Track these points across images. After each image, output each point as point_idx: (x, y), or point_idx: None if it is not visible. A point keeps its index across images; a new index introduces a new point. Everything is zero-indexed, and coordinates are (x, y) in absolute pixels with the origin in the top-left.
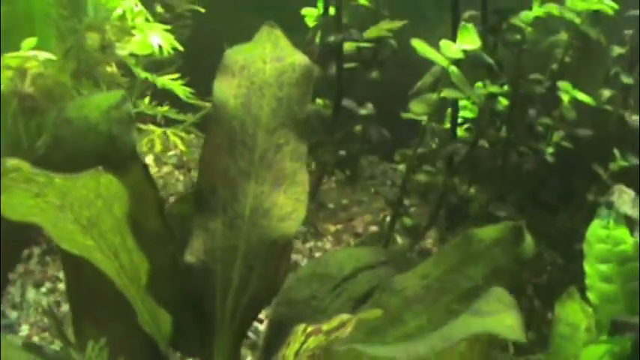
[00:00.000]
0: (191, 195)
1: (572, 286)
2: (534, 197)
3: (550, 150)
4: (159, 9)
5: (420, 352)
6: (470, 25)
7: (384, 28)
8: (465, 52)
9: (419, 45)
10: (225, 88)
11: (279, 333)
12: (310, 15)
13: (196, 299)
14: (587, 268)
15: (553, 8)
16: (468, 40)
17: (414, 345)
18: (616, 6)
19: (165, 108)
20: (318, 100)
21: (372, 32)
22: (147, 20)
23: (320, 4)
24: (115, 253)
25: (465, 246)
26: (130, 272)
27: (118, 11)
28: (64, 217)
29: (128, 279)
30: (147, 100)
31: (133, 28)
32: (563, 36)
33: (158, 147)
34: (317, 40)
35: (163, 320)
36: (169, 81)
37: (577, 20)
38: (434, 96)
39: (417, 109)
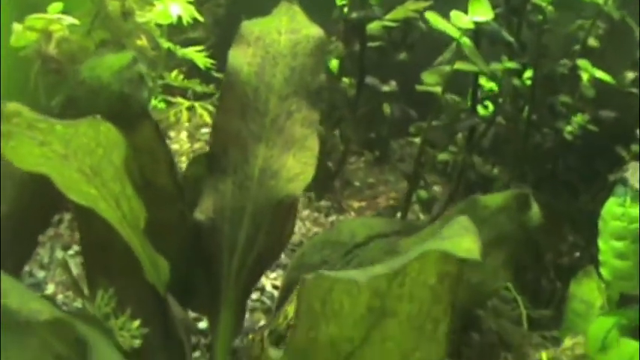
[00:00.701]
0: (204, 157)
1: (590, 265)
2: (555, 177)
3: (569, 129)
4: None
5: (379, 272)
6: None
7: (409, 8)
8: (475, 23)
9: (431, 17)
10: (240, 57)
11: (290, 296)
12: None
13: (204, 257)
14: (601, 244)
15: None
16: (480, 11)
17: (374, 268)
18: None
19: (192, 81)
20: (344, 79)
21: (398, 13)
22: None
23: None
24: (117, 201)
25: (470, 211)
26: (131, 220)
27: None
28: (69, 165)
29: (129, 227)
30: (174, 72)
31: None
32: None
33: (185, 118)
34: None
35: (162, 267)
36: (191, 52)
37: (600, 1)
38: (447, 68)
39: (430, 80)
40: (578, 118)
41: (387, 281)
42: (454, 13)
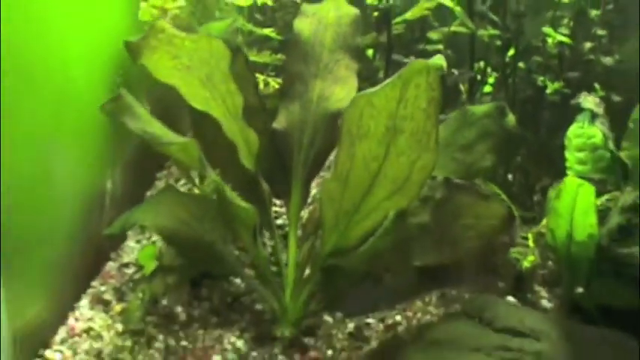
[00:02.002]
0: (278, 90)
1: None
2: (535, 118)
3: (542, 80)
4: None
5: (388, 87)
6: None
7: (424, 7)
8: None
9: None
10: (302, 24)
11: None
12: None
13: (279, 153)
14: (567, 155)
15: None
16: None
17: (384, 85)
18: None
19: (264, 54)
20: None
21: (415, 11)
22: None
23: None
24: (223, 98)
25: (462, 117)
26: (232, 111)
27: None
28: (191, 75)
29: (231, 117)
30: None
31: None
32: None
33: (261, 86)
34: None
35: (253, 142)
36: (263, 30)
37: None
38: (445, 29)
39: (433, 36)
40: (549, 83)
41: (395, 104)
42: None
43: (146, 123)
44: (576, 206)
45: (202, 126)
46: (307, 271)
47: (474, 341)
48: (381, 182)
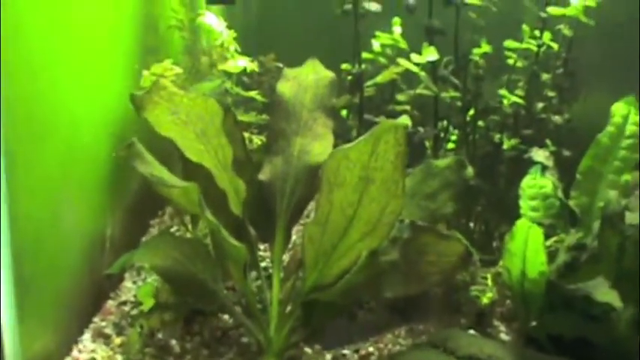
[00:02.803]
0: (263, 145)
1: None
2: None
3: (499, 138)
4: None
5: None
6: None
7: (393, 71)
8: (428, 62)
9: (401, 61)
10: (284, 87)
11: None
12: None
13: (264, 201)
14: (522, 203)
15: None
16: (430, 53)
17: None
18: None
19: (250, 114)
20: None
21: (384, 76)
22: (236, 50)
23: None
24: (215, 150)
25: (427, 169)
26: (223, 163)
27: (218, 41)
28: (187, 129)
29: (222, 167)
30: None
31: (231, 55)
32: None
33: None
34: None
35: (241, 191)
36: (249, 93)
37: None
38: (411, 92)
39: (401, 98)
40: (506, 140)
41: (368, 157)
42: (413, 55)
43: (154, 168)
44: (528, 246)
45: (195, 177)
46: (289, 307)
47: None
48: (355, 225)
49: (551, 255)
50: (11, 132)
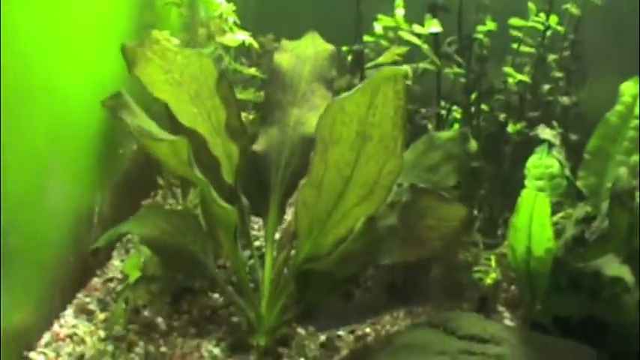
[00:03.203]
0: (259, 116)
1: None
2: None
3: (505, 118)
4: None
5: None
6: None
7: (395, 52)
8: (430, 33)
9: (403, 33)
10: (281, 58)
11: None
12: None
13: (259, 173)
14: (527, 183)
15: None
16: (433, 25)
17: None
18: None
19: (248, 91)
20: None
21: (387, 57)
22: (235, 23)
23: None
24: (209, 114)
25: (429, 141)
26: (217, 126)
27: (217, 12)
28: (181, 91)
29: (215, 132)
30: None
31: (230, 28)
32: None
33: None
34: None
35: (234, 157)
36: (248, 69)
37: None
38: (415, 65)
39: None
40: (511, 124)
41: (365, 110)
42: (415, 26)
43: (142, 120)
44: (533, 220)
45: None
46: (282, 281)
47: (440, 346)
48: (351, 187)
49: (558, 233)
50: (4, 98)
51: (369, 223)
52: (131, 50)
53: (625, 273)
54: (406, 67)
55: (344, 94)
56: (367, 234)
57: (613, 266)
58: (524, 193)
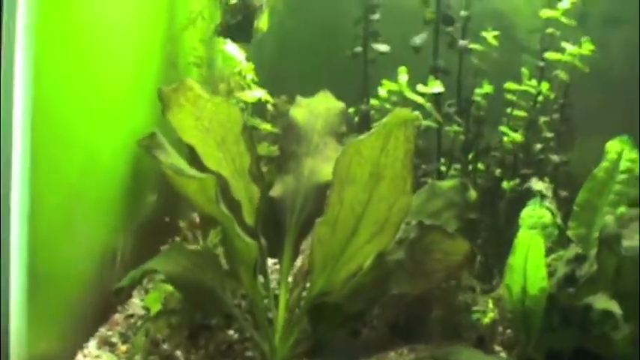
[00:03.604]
0: (275, 165)
1: None
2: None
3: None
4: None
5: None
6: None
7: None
8: (432, 93)
9: (407, 92)
10: (297, 113)
11: None
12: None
13: (275, 217)
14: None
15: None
16: (435, 85)
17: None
18: None
19: (262, 145)
20: None
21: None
22: (252, 80)
23: None
24: (233, 158)
25: (431, 189)
26: (240, 170)
27: (237, 69)
28: (208, 136)
29: (238, 175)
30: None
31: (248, 85)
32: None
33: None
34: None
35: (255, 199)
36: (264, 125)
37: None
38: (417, 123)
39: None
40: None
41: (379, 153)
42: (420, 85)
43: (174, 158)
44: (528, 260)
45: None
46: (296, 315)
47: None
48: (364, 224)
49: (551, 274)
50: (38, 138)
51: (379, 259)
52: (166, 94)
53: (613, 307)
54: (416, 113)
55: (360, 137)
56: (377, 268)
57: (602, 301)
58: (520, 234)
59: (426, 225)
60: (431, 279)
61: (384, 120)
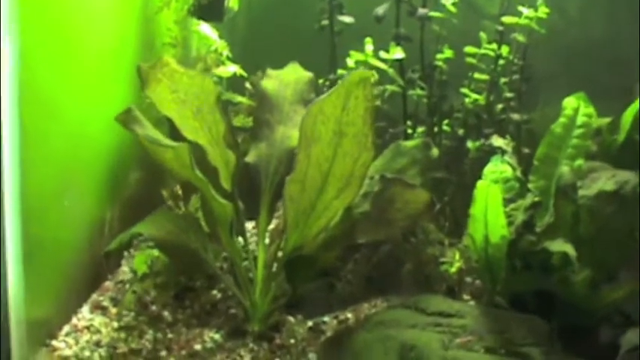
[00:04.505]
0: (249, 134)
1: None
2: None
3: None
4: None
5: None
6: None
7: None
8: (395, 59)
9: (370, 58)
10: (268, 84)
11: None
12: None
13: (251, 181)
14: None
15: None
16: (397, 52)
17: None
18: None
19: (239, 118)
20: None
21: None
22: (227, 57)
23: None
24: (209, 127)
25: (396, 149)
26: (217, 138)
27: (212, 47)
28: (185, 108)
29: (214, 142)
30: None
31: (223, 62)
32: None
33: None
34: None
35: (231, 163)
36: (239, 98)
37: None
38: (381, 87)
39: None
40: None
41: (340, 111)
42: (382, 52)
43: (150, 131)
44: (488, 209)
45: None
46: (274, 269)
47: (411, 321)
48: (331, 181)
49: (511, 223)
50: (26, 111)
51: (346, 212)
52: (145, 71)
53: (569, 249)
54: (372, 72)
55: (321, 96)
56: (345, 221)
57: (558, 243)
58: (478, 184)
59: (388, 178)
60: (393, 227)
61: (344, 80)
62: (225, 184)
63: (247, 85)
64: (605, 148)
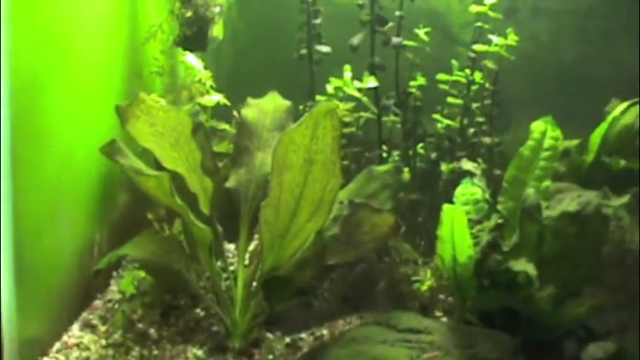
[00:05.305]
0: (230, 160)
1: None
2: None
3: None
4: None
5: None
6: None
7: (343, 108)
8: (368, 88)
9: (346, 84)
10: (248, 113)
11: None
12: None
13: (231, 204)
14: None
15: None
16: (370, 81)
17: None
18: None
19: (222, 145)
20: None
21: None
22: (211, 87)
23: None
24: (187, 156)
25: (368, 174)
26: (193, 167)
27: (197, 77)
28: (163, 140)
29: (193, 172)
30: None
31: (207, 91)
32: None
33: None
34: None
35: (209, 191)
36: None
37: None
38: (355, 115)
39: (348, 120)
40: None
41: (309, 140)
42: (355, 82)
43: (132, 161)
44: (455, 231)
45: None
46: (252, 289)
47: (382, 337)
48: (303, 205)
49: (478, 243)
50: (18, 139)
51: (318, 235)
52: (123, 109)
53: (529, 268)
54: (336, 102)
55: (292, 126)
56: (317, 243)
57: (520, 263)
58: (444, 207)
59: (356, 203)
60: (361, 248)
61: (311, 111)
62: (204, 209)
63: (234, 113)
64: (574, 169)
